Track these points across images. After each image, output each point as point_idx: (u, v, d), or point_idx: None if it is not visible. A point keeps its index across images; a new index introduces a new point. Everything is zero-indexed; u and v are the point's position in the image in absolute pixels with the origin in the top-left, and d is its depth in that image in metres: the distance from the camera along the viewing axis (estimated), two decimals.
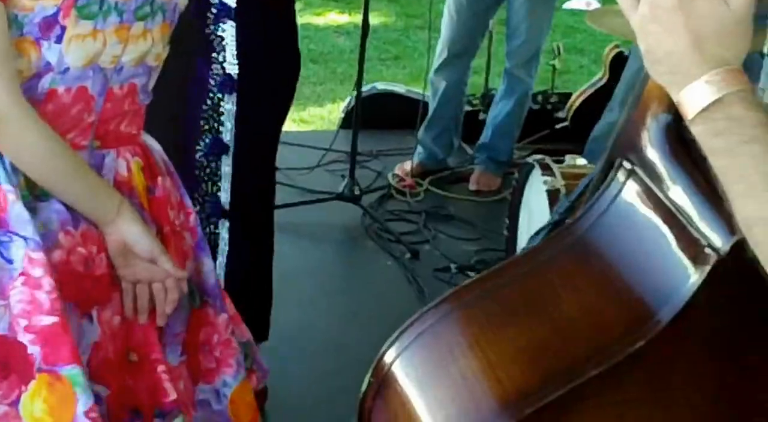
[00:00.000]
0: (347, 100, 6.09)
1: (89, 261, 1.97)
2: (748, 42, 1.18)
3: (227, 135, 3.15)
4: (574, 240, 1.35)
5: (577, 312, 1.28)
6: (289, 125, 3.78)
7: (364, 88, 5.44)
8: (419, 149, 5.62)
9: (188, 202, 2.25)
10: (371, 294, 4.59)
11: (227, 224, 3.24)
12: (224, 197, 3.21)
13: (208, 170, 3.19)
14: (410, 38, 8.49)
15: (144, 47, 2.00)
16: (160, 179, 2.13)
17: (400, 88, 6.27)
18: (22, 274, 1.86)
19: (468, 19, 5.35)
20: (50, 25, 1.84)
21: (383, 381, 1.31)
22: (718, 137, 1.14)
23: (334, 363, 3.76)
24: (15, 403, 1.90)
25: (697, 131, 1.16)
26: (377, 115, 5.85)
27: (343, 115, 6.03)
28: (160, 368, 2.09)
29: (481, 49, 5.65)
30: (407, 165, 5.57)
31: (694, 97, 1.16)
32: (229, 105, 3.13)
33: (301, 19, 3.38)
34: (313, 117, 6.87)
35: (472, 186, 5.58)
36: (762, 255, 1.14)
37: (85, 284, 1.97)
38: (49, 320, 1.86)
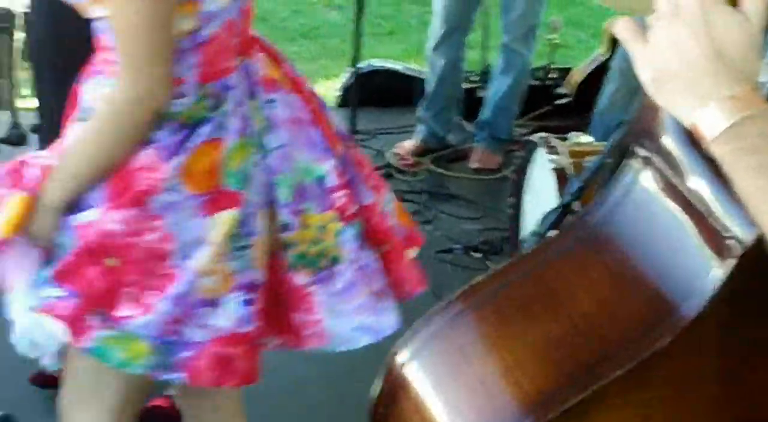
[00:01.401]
0: (342, 78, 6.03)
1: None
2: (761, 60, 1.11)
3: None
4: (588, 232, 1.31)
5: (596, 308, 1.23)
6: None
7: (360, 66, 5.38)
8: (419, 127, 5.56)
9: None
10: None
11: None
12: None
13: None
14: (403, 13, 8.40)
15: None
16: (283, 64, 2.23)
17: (397, 65, 6.23)
18: None
19: None
20: None
21: (395, 386, 1.27)
22: (753, 154, 1.06)
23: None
24: None
25: (725, 149, 1.08)
26: (374, 92, 5.79)
27: (339, 93, 5.98)
28: None
29: (476, 24, 5.58)
30: (407, 144, 5.52)
31: (722, 113, 1.08)
32: None
33: None
34: None
35: (472, 164, 5.51)
36: None
37: None
38: None
